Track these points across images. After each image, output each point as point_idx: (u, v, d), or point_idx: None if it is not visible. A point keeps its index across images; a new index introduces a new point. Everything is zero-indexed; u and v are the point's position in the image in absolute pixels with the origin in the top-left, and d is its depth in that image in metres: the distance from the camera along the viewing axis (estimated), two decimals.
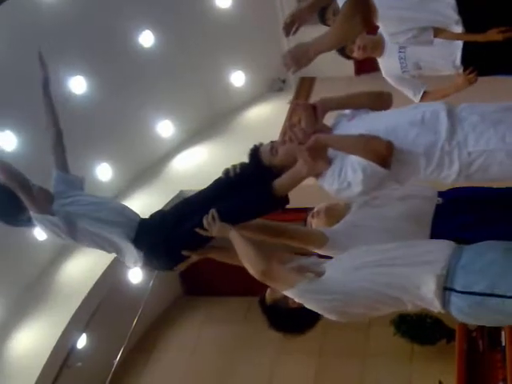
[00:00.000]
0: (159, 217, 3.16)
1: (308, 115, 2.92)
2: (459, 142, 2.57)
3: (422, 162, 2.62)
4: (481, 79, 3.90)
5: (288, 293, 2.64)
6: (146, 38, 5.91)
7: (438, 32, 3.59)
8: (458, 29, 3.43)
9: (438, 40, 3.73)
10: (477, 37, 3.46)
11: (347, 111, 3.05)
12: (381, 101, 3.00)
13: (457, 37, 3.55)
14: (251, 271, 2.70)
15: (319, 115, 2.98)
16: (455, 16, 3.37)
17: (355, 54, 4.14)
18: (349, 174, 2.66)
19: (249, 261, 2.72)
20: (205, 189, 3.06)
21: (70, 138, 5.56)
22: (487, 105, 2.73)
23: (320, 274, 2.65)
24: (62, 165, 3.39)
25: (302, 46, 2.90)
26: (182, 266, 3.10)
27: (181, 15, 5.97)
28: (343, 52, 4.23)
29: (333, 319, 2.67)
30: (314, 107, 2.98)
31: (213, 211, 2.82)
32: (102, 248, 3.23)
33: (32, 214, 3.13)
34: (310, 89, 6.78)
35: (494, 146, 2.53)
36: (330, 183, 2.75)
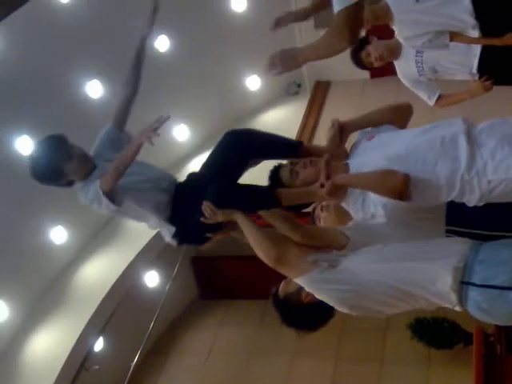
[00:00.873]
0: (190, 189, 3.10)
1: (333, 137, 2.92)
2: (478, 171, 2.55)
3: (443, 191, 2.62)
4: (497, 88, 3.87)
5: (300, 280, 2.64)
6: (162, 43, 5.93)
7: (454, 36, 3.58)
8: (475, 33, 3.42)
9: (455, 47, 3.72)
10: (494, 41, 3.45)
11: (368, 128, 3.04)
12: (401, 113, 3.00)
13: (473, 41, 3.53)
14: (263, 256, 2.71)
15: (343, 138, 2.98)
16: (472, 20, 3.36)
17: (376, 65, 4.12)
18: (371, 207, 2.69)
19: (260, 246, 2.72)
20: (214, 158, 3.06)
21: (87, 143, 5.65)
22: (506, 124, 2.68)
23: (335, 265, 2.66)
24: (120, 123, 3.30)
25: (293, 51, 2.90)
26: (209, 245, 3.15)
27: (196, 19, 6.00)
28: (363, 66, 4.21)
29: (344, 311, 2.66)
30: (341, 128, 2.97)
31: (206, 204, 2.82)
32: (143, 220, 3.20)
33: (78, 181, 3.11)
34: (325, 92, 6.79)
35: None
36: (354, 211, 2.78)
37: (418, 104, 3.76)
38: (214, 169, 3.03)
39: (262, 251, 2.71)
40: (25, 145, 5.13)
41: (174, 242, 3.14)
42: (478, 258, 2.51)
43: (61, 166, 3.06)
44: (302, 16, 3.48)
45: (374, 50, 4.05)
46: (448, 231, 3.03)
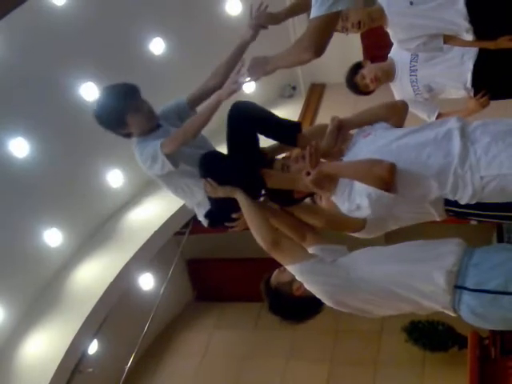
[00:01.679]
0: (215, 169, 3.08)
1: (331, 136, 2.92)
2: (471, 166, 2.54)
3: (433, 185, 2.60)
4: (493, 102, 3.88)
5: (292, 268, 2.67)
6: (157, 46, 5.93)
7: (449, 39, 3.59)
8: (469, 37, 3.43)
9: (447, 60, 3.74)
10: (488, 44, 3.46)
11: (365, 127, 3.04)
12: (396, 111, 3.00)
13: (467, 44, 3.54)
14: (259, 238, 2.73)
15: (340, 137, 2.98)
16: (466, 24, 3.38)
17: (371, 87, 4.12)
18: (356, 197, 2.66)
19: (258, 227, 2.75)
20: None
21: (82, 144, 5.66)
22: (500, 123, 2.68)
23: (331, 260, 2.69)
24: (193, 102, 3.22)
25: (262, 59, 2.90)
26: (236, 228, 3.13)
27: (191, 22, 5.99)
28: (359, 91, 4.20)
29: (331, 306, 2.68)
30: (339, 127, 2.97)
31: (206, 181, 2.88)
32: (185, 195, 3.19)
33: (136, 135, 3.07)
34: (320, 95, 6.79)
35: (507, 171, 2.50)
36: (341, 203, 2.75)
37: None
38: (229, 147, 3.04)
39: (260, 233, 2.73)
40: (19, 147, 5.12)
41: (205, 222, 3.17)
42: (472, 262, 2.51)
43: (125, 115, 3.02)
44: (278, 18, 3.29)
45: (369, 73, 4.06)
46: (447, 211, 3.06)
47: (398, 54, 4.07)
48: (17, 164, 5.18)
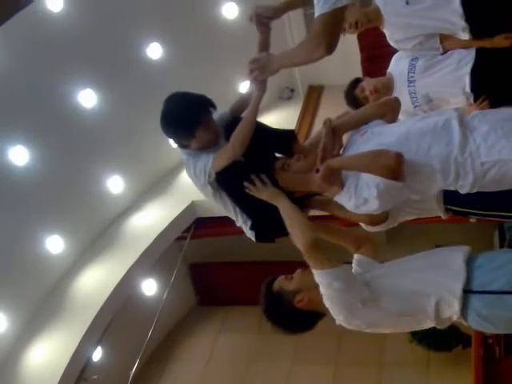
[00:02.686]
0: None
1: (328, 139, 2.91)
2: (472, 153, 2.54)
3: (438, 175, 2.60)
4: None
5: (322, 273, 2.61)
6: (155, 51, 5.94)
7: (445, 39, 3.59)
8: (465, 36, 3.44)
9: (444, 67, 3.72)
10: (484, 43, 3.46)
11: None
12: (388, 106, 3.00)
13: (464, 44, 3.54)
14: (299, 237, 2.67)
15: (335, 141, 2.97)
16: (462, 23, 3.38)
17: (371, 100, 4.09)
18: (364, 190, 2.65)
19: (299, 226, 2.70)
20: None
21: (81, 151, 5.66)
22: (499, 112, 2.70)
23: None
24: (236, 112, 3.12)
25: (266, 58, 2.87)
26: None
27: (187, 26, 6.00)
28: (359, 104, 4.17)
29: (339, 319, 2.65)
30: (334, 129, 2.96)
31: (263, 177, 2.82)
32: (229, 214, 3.09)
33: (192, 149, 2.97)
34: (318, 96, 6.79)
35: (508, 156, 2.50)
36: (347, 199, 2.74)
37: None
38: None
39: (300, 232, 2.68)
40: (19, 155, 5.12)
41: (252, 237, 3.05)
42: (475, 264, 2.51)
43: (197, 128, 2.91)
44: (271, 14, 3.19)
45: (368, 85, 4.03)
46: (447, 209, 3.06)
47: (395, 67, 4.06)
48: (17, 172, 5.18)
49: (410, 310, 2.60)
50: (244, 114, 3.01)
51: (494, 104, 3.67)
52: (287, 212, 2.77)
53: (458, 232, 6.59)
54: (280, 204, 2.80)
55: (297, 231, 2.71)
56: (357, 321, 2.65)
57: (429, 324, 2.65)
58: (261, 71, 2.82)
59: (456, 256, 2.60)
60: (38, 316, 5.66)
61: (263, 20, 3.07)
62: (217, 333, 8.03)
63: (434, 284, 2.55)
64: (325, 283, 2.62)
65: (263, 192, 2.82)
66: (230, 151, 2.88)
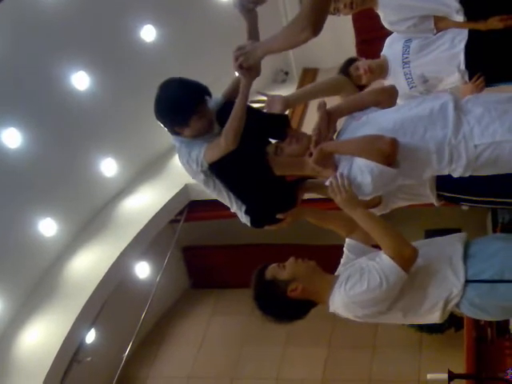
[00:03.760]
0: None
1: (323, 122, 2.89)
2: (465, 135, 2.54)
3: (433, 158, 2.59)
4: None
5: (395, 269, 2.51)
6: (148, 33, 5.89)
7: (439, 20, 3.57)
8: (459, 18, 3.42)
9: (439, 46, 3.70)
10: (478, 25, 3.45)
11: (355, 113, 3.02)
12: (385, 94, 2.98)
13: (458, 25, 3.53)
14: (396, 249, 2.53)
15: (330, 125, 2.95)
16: (456, 5, 3.37)
17: (364, 81, 4.06)
18: (358, 175, 2.64)
19: (396, 239, 2.55)
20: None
21: (74, 133, 5.64)
22: (491, 95, 2.70)
23: None
24: (229, 97, 3.04)
25: (251, 46, 2.81)
26: (280, 226, 3.00)
27: (181, 8, 5.96)
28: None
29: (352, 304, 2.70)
30: (329, 113, 2.93)
31: (344, 177, 2.68)
32: (223, 200, 3.05)
33: (185, 137, 2.92)
34: (313, 79, 6.77)
35: (501, 138, 2.50)
36: None
37: None
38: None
39: (398, 245, 2.54)
40: (11, 137, 5.10)
41: (247, 222, 3.00)
42: (469, 252, 2.52)
43: (191, 117, 2.86)
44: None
45: (363, 64, 4.00)
46: (439, 196, 3.06)
47: (389, 49, 4.03)
48: (9, 155, 5.16)
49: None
50: (235, 103, 2.92)
51: (489, 81, 3.67)
52: (373, 223, 2.64)
53: (450, 216, 6.61)
54: (359, 214, 2.66)
55: (390, 242, 2.56)
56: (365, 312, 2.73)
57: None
58: (245, 58, 2.77)
59: (457, 248, 2.59)
60: (31, 299, 5.67)
61: (248, 5, 3.00)
62: (210, 315, 8.05)
63: (442, 281, 2.54)
64: (387, 275, 2.52)
65: (340, 197, 2.65)
66: (223, 145, 2.83)
